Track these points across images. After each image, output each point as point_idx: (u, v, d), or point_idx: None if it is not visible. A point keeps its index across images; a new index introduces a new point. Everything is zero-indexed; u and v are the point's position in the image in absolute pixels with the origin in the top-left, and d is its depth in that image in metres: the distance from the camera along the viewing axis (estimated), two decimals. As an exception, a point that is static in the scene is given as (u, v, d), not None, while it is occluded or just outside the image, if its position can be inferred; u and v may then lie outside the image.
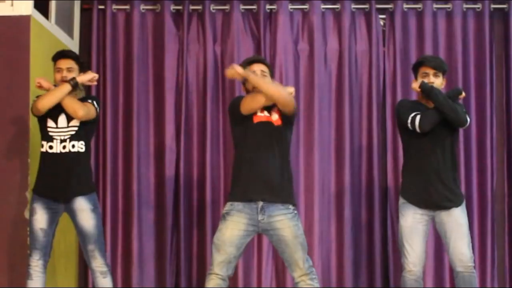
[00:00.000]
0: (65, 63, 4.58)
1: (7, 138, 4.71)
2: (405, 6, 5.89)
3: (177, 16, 5.94)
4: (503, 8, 5.88)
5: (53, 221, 4.53)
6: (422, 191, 4.53)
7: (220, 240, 4.16)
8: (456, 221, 4.55)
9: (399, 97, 5.79)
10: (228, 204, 4.20)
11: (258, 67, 4.31)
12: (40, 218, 4.46)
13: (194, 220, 5.79)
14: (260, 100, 4.17)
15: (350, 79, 5.86)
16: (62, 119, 4.53)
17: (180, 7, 5.91)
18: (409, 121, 4.49)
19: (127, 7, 5.92)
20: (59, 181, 4.48)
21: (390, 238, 5.73)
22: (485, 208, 5.73)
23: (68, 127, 4.53)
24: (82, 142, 4.55)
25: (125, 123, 5.84)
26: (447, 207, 4.53)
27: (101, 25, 5.93)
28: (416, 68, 4.68)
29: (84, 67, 4.72)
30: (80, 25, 5.92)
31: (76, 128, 4.53)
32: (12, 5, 4.75)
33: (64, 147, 4.50)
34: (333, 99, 5.87)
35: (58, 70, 4.58)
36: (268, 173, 4.19)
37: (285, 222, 4.19)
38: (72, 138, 4.52)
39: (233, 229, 4.15)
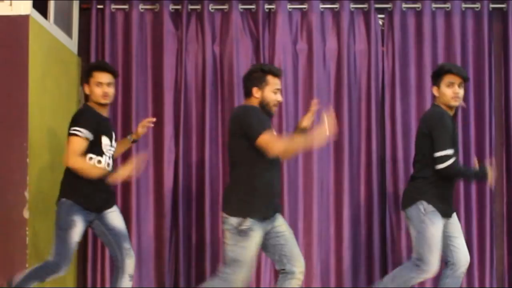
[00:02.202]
0: (106, 78, 4.57)
1: (6, 137, 4.69)
2: (404, 5, 5.89)
3: (176, 15, 5.94)
4: (501, 8, 5.88)
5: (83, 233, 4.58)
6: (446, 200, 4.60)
7: (248, 257, 4.15)
8: (458, 223, 4.67)
9: (397, 97, 5.80)
10: (249, 220, 4.13)
11: (280, 84, 4.36)
12: (79, 231, 4.47)
13: (193, 220, 5.79)
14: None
15: (349, 78, 5.86)
16: (113, 137, 4.63)
17: (179, 7, 5.91)
18: (442, 153, 4.46)
19: (125, 6, 5.92)
20: (105, 194, 4.55)
21: (389, 238, 5.73)
22: (484, 209, 5.74)
23: (112, 146, 4.62)
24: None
25: (124, 123, 5.83)
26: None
27: (100, 25, 5.92)
28: (439, 75, 4.62)
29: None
30: (79, 24, 5.92)
31: (114, 149, 4.65)
32: (10, 4, 4.74)
33: (108, 164, 4.57)
34: (332, 99, 5.87)
35: (98, 84, 4.55)
36: (278, 190, 4.35)
37: (280, 220, 4.33)
38: (112, 156, 4.64)
39: (257, 245, 4.19)
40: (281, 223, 4.31)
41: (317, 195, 5.76)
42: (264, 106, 4.28)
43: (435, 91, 4.64)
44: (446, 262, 4.66)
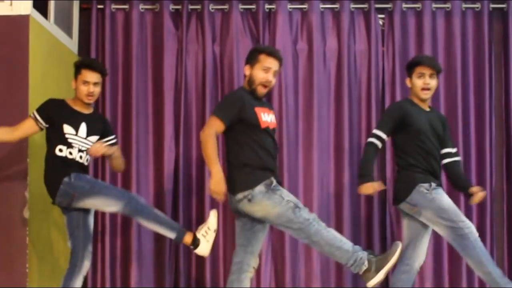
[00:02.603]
0: (93, 77, 4.57)
1: (6, 137, 4.70)
2: (404, 5, 5.89)
3: (176, 15, 5.94)
4: (502, 8, 5.88)
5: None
6: None
7: (291, 197, 4.21)
8: None
9: (398, 96, 5.80)
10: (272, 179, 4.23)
11: (275, 66, 4.34)
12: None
13: (193, 219, 5.79)
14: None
15: (349, 78, 5.86)
16: (82, 129, 4.59)
17: (179, 7, 5.91)
18: (374, 131, 4.70)
19: (126, 6, 5.92)
20: None
21: (389, 238, 5.72)
22: (484, 208, 5.73)
23: (85, 139, 4.59)
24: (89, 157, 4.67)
25: (124, 123, 5.84)
26: None
27: (100, 25, 5.92)
28: (411, 67, 4.71)
29: (105, 77, 4.76)
30: (79, 24, 5.92)
31: (91, 144, 4.60)
32: (11, 4, 4.74)
33: (81, 157, 4.57)
34: (332, 98, 5.87)
35: (84, 82, 4.56)
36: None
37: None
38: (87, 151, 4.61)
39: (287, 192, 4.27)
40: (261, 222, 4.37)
41: (317, 195, 5.76)
42: (250, 84, 4.32)
43: (408, 82, 4.73)
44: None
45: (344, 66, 5.85)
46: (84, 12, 5.94)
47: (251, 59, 4.36)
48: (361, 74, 5.90)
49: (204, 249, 4.44)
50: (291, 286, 5.72)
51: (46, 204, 4.94)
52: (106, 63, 5.83)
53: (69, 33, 5.71)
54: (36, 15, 4.90)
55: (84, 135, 4.57)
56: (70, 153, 4.51)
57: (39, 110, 4.52)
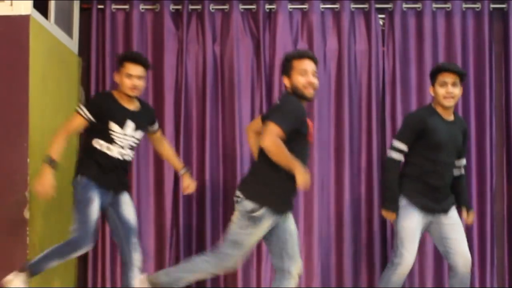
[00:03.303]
0: (137, 70, 4.61)
1: (7, 137, 4.70)
2: (404, 5, 5.88)
3: (177, 15, 5.94)
4: (502, 8, 5.88)
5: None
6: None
7: (250, 243, 4.19)
8: (456, 224, 4.66)
9: (398, 97, 5.80)
10: (264, 209, 4.12)
11: (312, 67, 4.22)
12: (96, 210, 4.52)
13: (193, 219, 5.79)
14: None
15: (350, 78, 5.86)
16: (129, 126, 4.64)
17: (179, 7, 5.91)
18: (394, 143, 4.63)
19: (126, 6, 5.92)
20: (115, 177, 4.62)
21: (390, 238, 5.72)
22: (485, 208, 5.74)
23: (132, 136, 4.66)
24: (134, 152, 4.76)
25: (124, 123, 5.83)
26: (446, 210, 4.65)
27: (101, 25, 5.92)
28: (433, 75, 4.63)
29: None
30: (80, 24, 5.92)
31: (137, 141, 4.71)
32: (11, 4, 4.74)
33: (120, 153, 4.61)
34: (333, 98, 5.87)
35: (128, 76, 4.59)
36: (296, 188, 4.16)
37: (290, 217, 4.33)
38: (132, 148, 4.69)
39: (262, 235, 4.22)
40: (291, 221, 4.31)
41: (318, 195, 5.76)
42: (296, 92, 4.20)
43: (430, 91, 4.66)
44: (448, 264, 4.70)
45: (344, 66, 5.85)
46: (85, 12, 5.94)
47: (286, 70, 4.23)
48: (361, 74, 5.90)
49: None
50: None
51: (46, 204, 4.95)
52: (106, 63, 5.85)
53: (69, 33, 5.71)
54: (37, 15, 4.90)
55: (130, 132, 4.63)
56: (108, 149, 4.57)
57: (88, 106, 4.59)
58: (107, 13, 5.89)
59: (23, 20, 4.73)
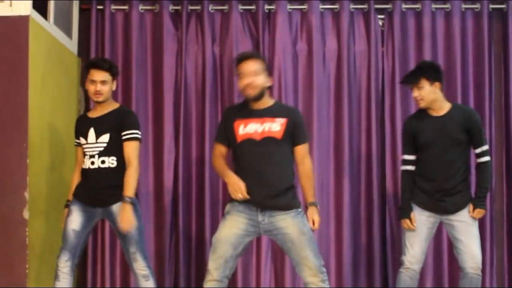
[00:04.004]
0: (99, 75, 4.54)
1: (6, 138, 4.69)
2: (403, 6, 5.89)
3: (176, 16, 5.94)
4: (501, 8, 5.88)
5: (87, 225, 4.56)
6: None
7: (216, 239, 4.17)
8: (466, 224, 4.69)
9: (397, 97, 5.80)
10: (228, 204, 4.22)
11: (247, 68, 4.16)
12: (75, 220, 4.51)
13: (193, 220, 5.79)
14: None
15: (349, 79, 5.86)
16: (91, 134, 4.57)
17: (178, 7, 5.91)
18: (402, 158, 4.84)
19: (125, 7, 5.92)
20: (92, 193, 4.53)
21: (389, 238, 5.73)
22: (484, 208, 5.73)
23: (96, 142, 4.55)
24: (114, 158, 4.56)
25: (123, 123, 5.83)
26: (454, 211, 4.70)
27: (100, 25, 5.92)
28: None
29: (116, 74, 4.68)
30: (79, 25, 5.92)
31: (105, 144, 4.55)
32: (10, 5, 4.73)
33: (92, 163, 4.54)
34: (332, 99, 5.87)
35: (91, 81, 4.56)
36: (261, 183, 4.18)
37: (288, 220, 4.16)
38: (101, 154, 4.54)
39: (229, 230, 4.16)
40: (287, 224, 4.15)
41: (317, 195, 5.74)
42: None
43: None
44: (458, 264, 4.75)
45: (343, 67, 5.85)
46: (84, 12, 5.94)
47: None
48: (360, 74, 5.90)
49: None
50: (290, 286, 5.72)
51: (45, 204, 4.95)
52: (105, 64, 5.84)
53: (68, 33, 5.71)
54: (36, 16, 4.90)
55: (94, 140, 4.56)
56: (84, 163, 4.58)
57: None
58: (106, 13, 5.90)
59: (23, 21, 4.73)
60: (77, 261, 4.57)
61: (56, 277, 4.49)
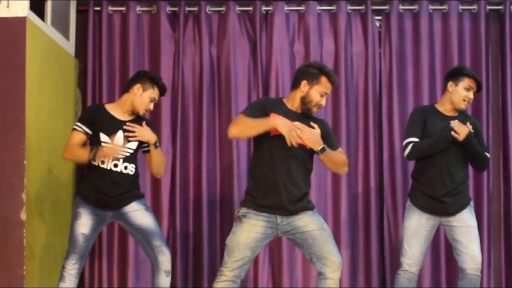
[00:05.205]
0: (157, 96, 4.64)
1: (3, 139, 4.69)
2: (401, 7, 5.89)
3: (173, 17, 5.94)
4: (498, 10, 5.88)
5: (97, 228, 4.55)
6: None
7: (235, 243, 4.12)
8: (467, 226, 4.70)
9: (395, 98, 5.81)
10: (244, 208, 4.17)
11: (330, 91, 4.27)
12: (85, 223, 4.47)
13: (190, 221, 5.79)
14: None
15: (346, 80, 5.86)
16: (119, 138, 4.51)
17: (176, 9, 5.91)
18: (403, 145, 4.73)
19: (123, 8, 5.92)
20: (106, 196, 4.49)
21: (387, 238, 5.73)
22: (481, 209, 5.73)
23: (123, 146, 4.51)
24: (133, 165, 4.59)
25: (121, 125, 5.83)
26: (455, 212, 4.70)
27: (97, 27, 5.92)
28: (459, 75, 4.73)
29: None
30: (76, 26, 5.91)
31: (131, 151, 4.56)
32: (8, 6, 4.73)
33: (115, 165, 4.51)
34: (329, 100, 5.86)
35: (151, 99, 4.59)
36: (287, 187, 4.18)
37: (306, 219, 4.17)
38: (126, 159, 4.53)
39: (248, 234, 4.12)
40: (306, 222, 4.15)
41: (315, 196, 5.75)
42: (305, 102, 4.20)
43: (449, 85, 4.73)
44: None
45: (341, 68, 5.85)
46: (81, 14, 5.94)
47: (312, 78, 4.19)
48: (358, 75, 5.91)
49: None
50: (288, 287, 5.72)
51: (43, 206, 4.95)
52: (103, 65, 5.84)
53: (66, 35, 5.71)
54: (33, 17, 4.90)
55: (121, 143, 4.51)
56: (102, 162, 4.50)
57: (81, 121, 4.53)
58: (103, 15, 5.89)
59: (20, 22, 4.73)
60: (84, 263, 4.57)
61: (61, 277, 4.48)
